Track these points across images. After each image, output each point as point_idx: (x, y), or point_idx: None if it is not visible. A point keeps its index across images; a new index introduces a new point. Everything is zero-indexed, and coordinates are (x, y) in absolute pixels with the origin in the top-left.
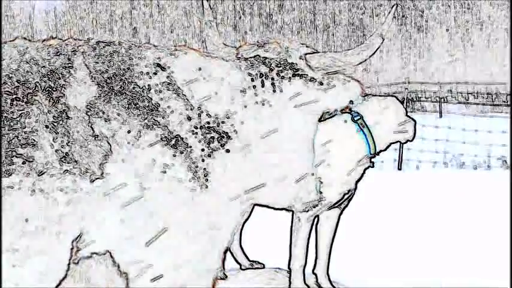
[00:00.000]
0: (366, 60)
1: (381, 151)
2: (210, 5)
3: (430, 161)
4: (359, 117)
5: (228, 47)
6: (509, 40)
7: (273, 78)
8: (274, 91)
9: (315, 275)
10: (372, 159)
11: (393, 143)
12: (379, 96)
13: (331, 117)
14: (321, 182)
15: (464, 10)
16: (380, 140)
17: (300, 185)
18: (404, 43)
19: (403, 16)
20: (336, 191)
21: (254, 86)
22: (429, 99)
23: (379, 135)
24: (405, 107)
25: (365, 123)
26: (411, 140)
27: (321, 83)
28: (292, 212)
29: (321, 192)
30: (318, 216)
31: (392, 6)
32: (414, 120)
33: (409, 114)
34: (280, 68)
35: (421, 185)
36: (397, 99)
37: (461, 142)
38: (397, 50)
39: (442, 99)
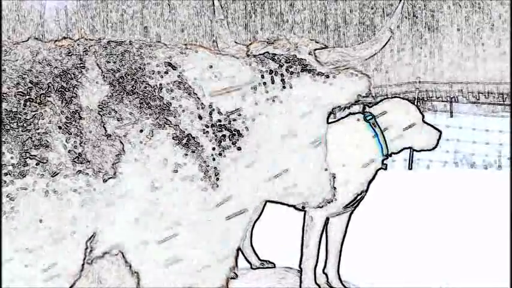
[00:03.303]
0: (375, 54)
1: (392, 153)
2: (220, 4)
3: (441, 160)
4: (371, 116)
5: (238, 45)
6: (510, 40)
7: (282, 75)
8: (284, 87)
9: (326, 274)
10: (385, 161)
11: (407, 148)
12: (392, 98)
13: (347, 115)
14: (334, 177)
15: (475, 10)
16: (392, 142)
17: (313, 181)
18: (415, 43)
19: (414, 16)
20: (349, 192)
21: (264, 83)
22: (440, 98)
23: (390, 136)
24: (420, 111)
25: (377, 123)
26: (429, 150)
27: (327, 76)
28: (304, 211)
29: (335, 188)
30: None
31: (400, 0)
32: (439, 131)
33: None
34: (289, 64)
35: (432, 184)
36: (411, 101)
37: (472, 142)
38: (408, 50)
39: (453, 99)
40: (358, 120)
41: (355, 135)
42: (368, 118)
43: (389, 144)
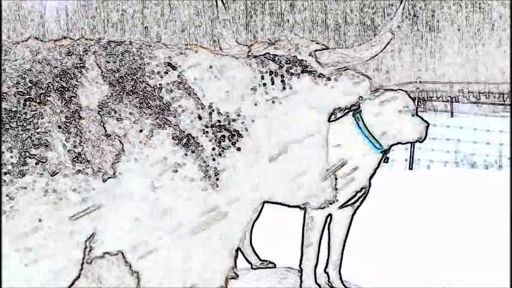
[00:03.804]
0: (376, 55)
1: (391, 146)
2: (224, 4)
3: (441, 160)
4: (357, 111)
5: (240, 46)
6: (510, 40)
7: (282, 76)
8: (284, 88)
9: (327, 274)
10: (387, 155)
11: (399, 143)
12: (377, 89)
13: (344, 114)
14: (336, 179)
15: (475, 10)
16: (381, 135)
17: (314, 182)
18: (416, 43)
19: (414, 15)
20: (347, 189)
21: (264, 84)
22: (440, 98)
23: (376, 129)
24: (416, 107)
25: (361, 117)
26: (420, 141)
27: (329, 79)
28: (305, 211)
29: (336, 189)
30: (331, 215)
31: (401, 1)
32: (427, 122)
33: (420, 115)
34: (290, 65)
35: (432, 184)
36: (408, 94)
37: (472, 142)
38: (408, 50)
39: (454, 99)
40: (346, 115)
41: (345, 133)
42: (355, 113)
43: (379, 137)
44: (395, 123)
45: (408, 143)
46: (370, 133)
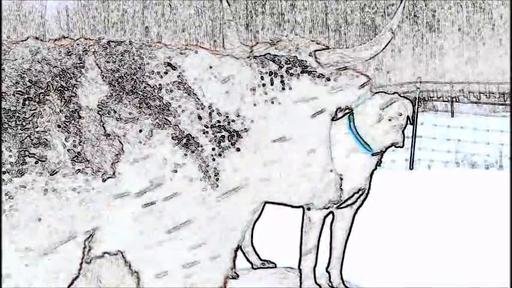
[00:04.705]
0: (376, 55)
1: (385, 150)
2: (229, 5)
3: (442, 160)
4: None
5: (242, 46)
6: (510, 39)
7: (282, 76)
8: (283, 89)
9: (328, 273)
10: (381, 159)
11: (388, 147)
12: (376, 92)
13: (345, 114)
14: (341, 179)
15: (476, 10)
16: (369, 138)
17: (316, 182)
18: (416, 43)
19: (415, 15)
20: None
21: (263, 84)
22: (441, 98)
23: (363, 132)
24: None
25: (353, 118)
26: (401, 146)
27: (329, 79)
28: (304, 211)
29: (341, 189)
30: (332, 215)
31: (402, 1)
32: (407, 124)
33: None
34: (290, 65)
35: (433, 184)
36: (405, 98)
37: (473, 142)
38: (409, 50)
39: (454, 99)
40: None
41: (338, 134)
42: (350, 114)
43: (367, 140)
44: (375, 127)
45: (388, 147)
46: (358, 134)
